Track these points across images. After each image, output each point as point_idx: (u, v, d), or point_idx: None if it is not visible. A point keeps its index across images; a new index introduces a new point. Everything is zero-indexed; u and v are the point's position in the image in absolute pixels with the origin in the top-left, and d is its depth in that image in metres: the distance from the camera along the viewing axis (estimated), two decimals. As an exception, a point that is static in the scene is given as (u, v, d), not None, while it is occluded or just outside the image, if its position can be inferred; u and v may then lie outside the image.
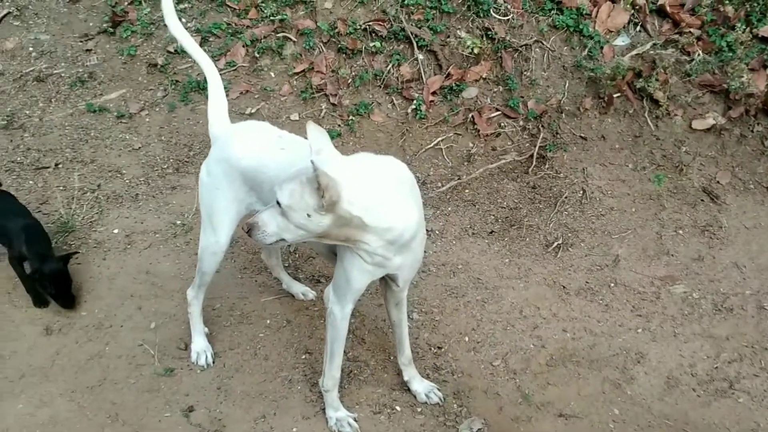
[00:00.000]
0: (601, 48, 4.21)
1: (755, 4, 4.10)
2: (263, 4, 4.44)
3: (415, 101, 4.20)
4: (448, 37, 4.29)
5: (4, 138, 4.07)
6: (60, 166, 3.94)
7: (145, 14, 4.52)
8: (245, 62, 4.36)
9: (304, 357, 3.06)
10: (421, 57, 4.27)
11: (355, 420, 2.78)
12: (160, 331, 3.14)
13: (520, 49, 4.24)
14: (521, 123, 4.16)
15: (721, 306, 3.38)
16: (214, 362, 3.01)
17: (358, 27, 4.32)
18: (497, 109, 4.19)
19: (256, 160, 2.55)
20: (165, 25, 2.88)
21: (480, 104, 4.20)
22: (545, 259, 3.61)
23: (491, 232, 3.74)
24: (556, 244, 3.66)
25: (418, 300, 3.34)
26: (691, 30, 4.14)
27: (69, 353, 3.03)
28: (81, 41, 4.49)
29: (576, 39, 4.25)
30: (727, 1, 4.14)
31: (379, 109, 4.23)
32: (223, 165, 2.63)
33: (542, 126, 4.11)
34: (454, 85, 4.21)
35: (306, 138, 2.20)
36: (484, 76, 4.24)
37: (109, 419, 2.78)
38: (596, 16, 4.26)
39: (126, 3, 4.58)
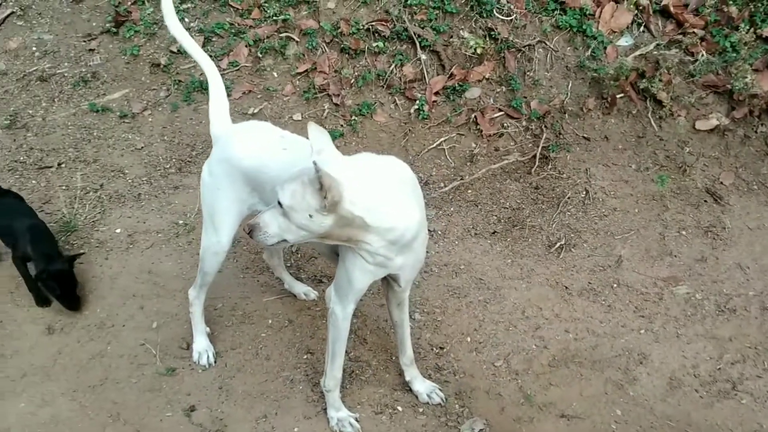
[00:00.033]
0: (605, 48, 4.20)
1: (759, 5, 4.09)
2: (266, 4, 4.44)
3: (417, 101, 4.19)
4: (451, 37, 4.29)
5: (7, 137, 4.08)
6: (63, 165, 3.95)
7: (148, 14, 4.52)
8: (248, 62, 4.37)
9: (305, 357, 3.06)
10: (424, 57, 4.26)
11: (356, 420, 2.78)
12: (161, 331, 3.14)
13: (523, 49, 4.23)
14: (524, 123, 4.15)
15: (724, 307, 3.36)
16: (215, 362, 3.01)
17: (361, 27, 4.32)
18: (500, 110, 4.19)
19: (257, 160, 2.55)
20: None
21: (483, 104, 4.20)
22: (548, 259, 3.60)
23: (494, 233, 3.74)
24: (558, 244, 3.65)
25: (420, 300, 3.34)
26: (695, 30, 4.13)
27: (71, 352, 3.04)
28: (84, 41, 4.50)
29: (579, 39, 4.24)
30: (730, 2, 4.13)
31: (381, 110, 4.23)
32: (225, 165, 2.63)
33: (545, 126, 4.10)
34: (456, 85, 4.21)
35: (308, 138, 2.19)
36: (487, 77, 4.23)
37: (111, 419, 2.79)
38: (599, 17, 4.25)
39: (129, 3, 4.58)
